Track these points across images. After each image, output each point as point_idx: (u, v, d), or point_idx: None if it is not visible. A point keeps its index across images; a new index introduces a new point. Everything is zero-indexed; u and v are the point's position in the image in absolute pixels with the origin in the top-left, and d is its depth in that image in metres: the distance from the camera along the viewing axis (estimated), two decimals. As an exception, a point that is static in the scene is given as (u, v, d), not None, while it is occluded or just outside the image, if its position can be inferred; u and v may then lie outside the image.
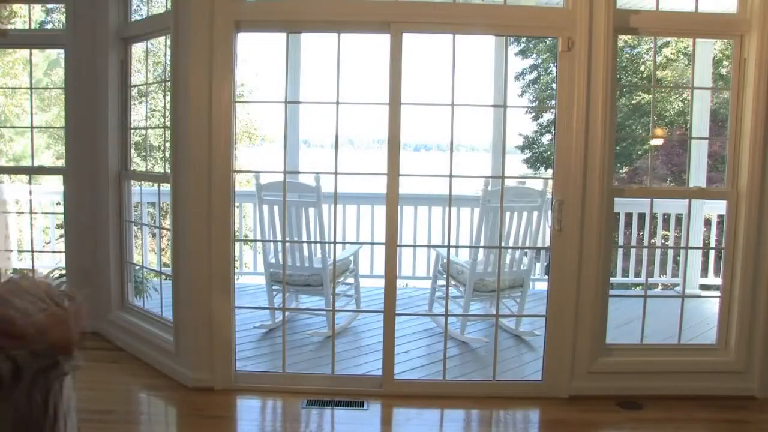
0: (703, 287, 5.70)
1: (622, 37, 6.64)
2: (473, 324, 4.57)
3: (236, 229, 3.71)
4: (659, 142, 9.43)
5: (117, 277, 4.12)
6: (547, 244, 3.52)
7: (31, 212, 5.63)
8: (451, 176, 3.33)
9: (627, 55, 12.75)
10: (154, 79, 6.97)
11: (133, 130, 4.20)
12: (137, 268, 4.36)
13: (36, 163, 4.80)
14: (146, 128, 5.76)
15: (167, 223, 4.66)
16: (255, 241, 5.81)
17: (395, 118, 3.22)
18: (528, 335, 4.30)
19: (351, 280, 4.72)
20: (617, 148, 5.73)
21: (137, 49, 4.31)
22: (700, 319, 4.51)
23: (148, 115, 7.68)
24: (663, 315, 3.93)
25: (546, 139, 14.66)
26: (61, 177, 4.39)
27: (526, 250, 4.43)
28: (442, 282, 4.50)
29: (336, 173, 3.36)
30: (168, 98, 3.54)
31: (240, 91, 12.53)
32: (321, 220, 4.21)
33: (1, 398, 0.90)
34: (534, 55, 15.11)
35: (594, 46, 3.16)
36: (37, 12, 8.76)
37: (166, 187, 3.60)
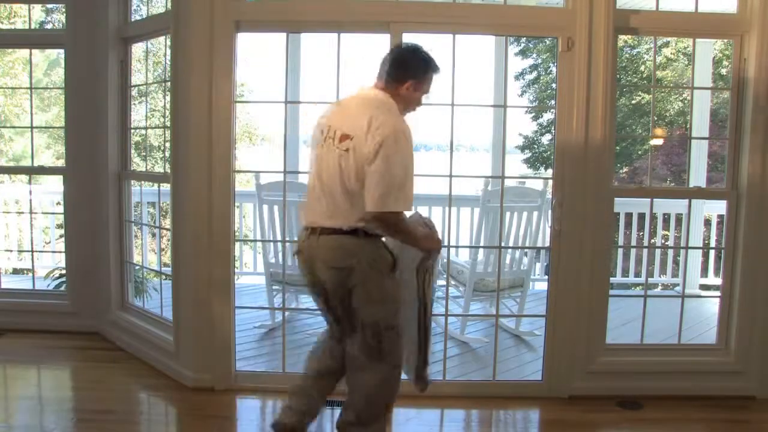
0: (703, 287, 5.70)
1: (622, 37, 6.64)
2: (473, 324, 4.57)
3: (236, 229, 3.71)
4: (659, 142, 9.44)
5: (117, 277, 4.12)
6: (547, 244, 3.51)
7: (31, 212, 5.64)
8: (451, 176, 3.33)
9: (627, 55, 12.76)
10: (154, 79, 6.97)
11: (133, 130, 4.20)
12: (137, 268, 4.36)
13: (36, 163, 4.80)
14: (146, 128, 5.76)
15: (167, 223, 4.66)
16: (255, 241, 5.80)
17: (395, 118, 3.21)
18: (528, 335, 4.30)
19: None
20: (617, 148, 5.74)
21: (137, 49, 4.31)
22: (700, 319, 4.51)
23: (148, 115, 7.69)
24: (663, 315, 3.93)
25: (546, 139, 14.67)
26: (61, 177, 4.39)
27: (526, 250, 4.43)
28: (442, 282, 4.49)
29: (336, 173, 3.36)
30: (168, 98, 3.54)
31: (240, 91, 12.53)
32: (321, 220, 4.20)
33: (392, 275, 2.40)
34: (534, 55, 15.12)
35: (594, 46, 3.16)
36: (37, 12, 8.77)
37: (166, 187, 3.60)
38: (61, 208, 4.86)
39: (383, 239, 2.39)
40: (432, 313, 2.58)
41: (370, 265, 2.34)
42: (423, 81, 2.44)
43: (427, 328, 2.54)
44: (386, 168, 2.20)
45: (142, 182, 4.43)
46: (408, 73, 2.40)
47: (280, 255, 4.29)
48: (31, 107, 4.63)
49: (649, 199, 4.15)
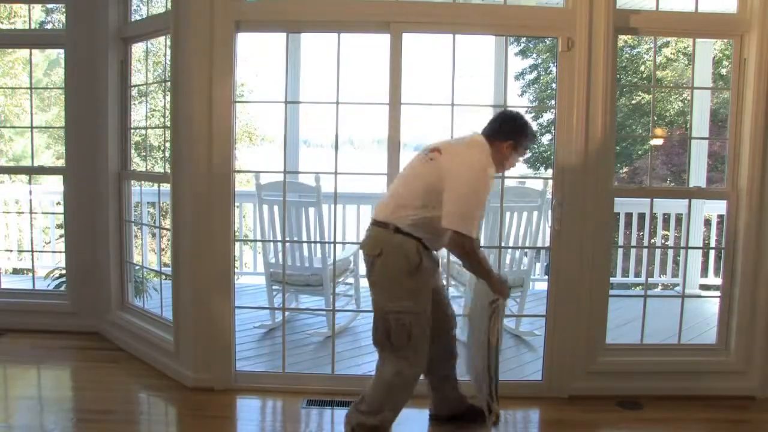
0: (703, 287, 5.70)
1: (622, 37, 6.64)
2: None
3: (236, 229, 3.71)
4: (659, 142, 9.43)
5: (117, 277, 4.12)
6: (547, 244, 3.51)
7: (31, 212, 5.64)
8: (451, 176, 3.32)
9: (627, 55, 12.75)
10: (154, 79, 6.97)
11: (133, 130, 4.20)
12: (137, 268, 4.36)
13: (36, 163, 4.80)
14: (146, 128, 5.76)
15: (167, 223, 4.66)
16: (255, 241, 5.81)
17: (395, 117, 3.22)
18: (528, 335, 4.30)
19: (351, 280, 4.72)
20: (617, 148, 5.74)
21: (137, 49, 4.31)
22: (700, 319, 4.51)
23: (148, 115, 7.68)
24: (663, 315, 3.93)
25: (546, 139, 14.65)
26: (61, 177, 4.39)
27: (526, 250, 4.43)
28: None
29: (336, 173, 3.37)
30: (168, 98, 3.54)
31: (240, 91, 12.53)
32: (321, 220, 4.21)
33: (416, 275, 2.60)
34: (534, 55, 15.10)
35: (594, 46, 3.16)
36: (37, 12, 8.76)
37: (166, 187, 3.60)
38: (61, 208, 4.86)
39: (420, 242, 2.59)
40: (498, 351, 2.74)
41: (391, 258, 2.59)
42: (521, 145, 2.73)
43: (490, 365, 2.70)
44: (464, 193, 2.51)
45: (142, 182, 4.43)
46: (511, 134, 2.69)
47: (280, 255, 4.29)
48: (31, 107, 4.63)
49: (649, 199, 4.15)
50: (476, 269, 2.70)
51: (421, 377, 2.87)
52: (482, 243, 4.30)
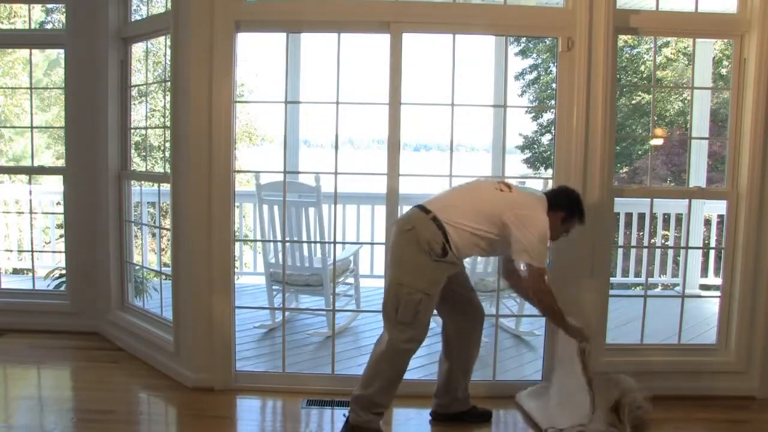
0: (703, 287, 5.70)
1: (622, 37, 6.64)
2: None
3: (236, 229, 3.71)
4: (659, 142, 9.43)
5: (117, 277, 4.12)
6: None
7: (31, 212, 5.63)
8: (451, 176, 3.33)
9: (627, 55, 12.75)
10: (154, 79, 6.97)
11: (133, 130, 4.20)
12: (137, 268, 4.36)
13: (36, 163, 4.80)
14: (146, 128, 5.75)
15: (167, 223, 4.66)
16: (255, 241, 5.81)
17: (395, 118, 3.22)
18: (528, 335, 4.30)
19: (351, 280, 4.72)
20: (617, 148, 5.74)
21: (137, 49, 4.31)
22: (700, 319, 4.51)
23: (148, 115, 7.68)
24: (663, 315, 3.93)
25: (546, 139, 14.65)
26: (61, 177, 4.39)
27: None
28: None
29: (336, 173, 3.37)
30: (168, 98, 3.54)
31: (240, 91, 12.53)
32: (321, 220, 4.21)
33: (437, 259, 2.71)
34: (534, 55, 15.11)
35: (594, 46, 3.16)
36: (37, 12, 8.76)
37: (166, 187, 3.60)
38: (61, 208, 4.86)
39: (449, 232, 2.71)
40: (593, 386, 2.94)
41: (419, 237, 2.70)
42: (571, 219, 2.89)
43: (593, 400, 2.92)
44: (534, 242, 2.70)
45: (142, 182, 4.43)
46: (566, 207, 2.87)
47: (280, 255, 4.29)
48: (31, 107, 4.63)
49: (649, 199, 4.15)
50: (547, 306, 2.89)
51: (437, 367, 3.07)
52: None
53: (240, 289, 4.87)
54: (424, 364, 3.78)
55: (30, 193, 5.49)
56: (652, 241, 9.10)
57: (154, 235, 8.39)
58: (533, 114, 14.72)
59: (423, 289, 2.71)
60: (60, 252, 5.28)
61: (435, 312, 2.89)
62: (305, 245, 4.23)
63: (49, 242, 6.58)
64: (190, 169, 3.31)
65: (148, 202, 6.03)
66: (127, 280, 4.16)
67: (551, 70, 14.26)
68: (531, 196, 2.88)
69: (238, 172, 3.81)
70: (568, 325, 2.95)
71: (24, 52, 8.40)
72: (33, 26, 5.04)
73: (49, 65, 10.55)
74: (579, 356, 2.94)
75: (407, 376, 3.40)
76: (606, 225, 3.32)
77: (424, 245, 2.69)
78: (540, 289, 2.82)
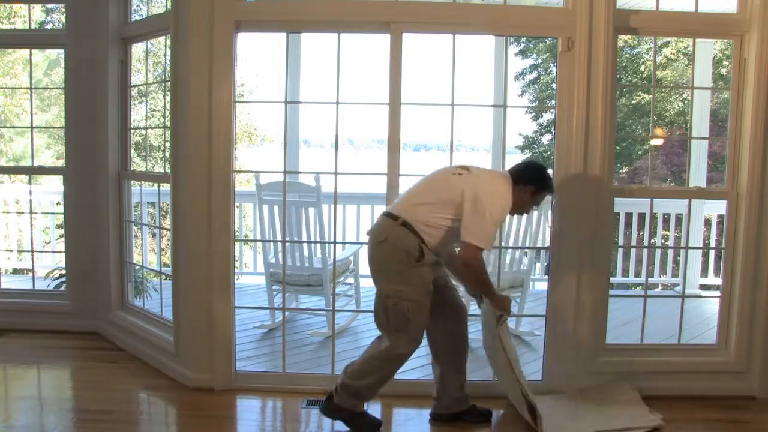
0: (703, 287, 5.70)
1: (622, 37, 6.64)
2: (473, 324, 4.53)
3: (236, 229, 3.71)
4: (659, 142, 9.42)
5: (117, 277, 4.12)
6: (547, 244, 3.51)
7: (31, 212, 5.64)
8: (451, 176, 3.32)
9: (627, 55, 12.75)
10: (154, 79, 6.97)
11: (133, 130, 4.20)
12: (137, 268, 4.36)
13: (36, 163, 4.80)
14: (146, 128, 5.76)
15: (167, 223, 4.66)
16: (255, 241, 5.81)
17: (395, 118, 3.22)
18: (528, 335, 4.30)
19: (351, 280, 4.72)
20: (617, 148, 5.74)
21: (137, 49, 4.31)
22: (700, 319, 4.51)
23: (148, 115, 7.68)
24: (663, 315, 3.93)
25: (546, 139, 14.65)
26: (61, 177, 4.39)
27: (526, 250, 4.43)
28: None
29: (336, 173, 3.37)
30: (168, 98, 3.54)
31: (240, 91, 12.53)
32: (321, 220, 4.21)
33: (417, 265, 2.74)
34: (534, 55, 15.10)
35: (594, 46, 3.16)
36: (37, 12, 8.76)
37: (166, 187, 3.60)
38: (61, 208, 4.86)
39: (423, 241, 2.73)
40: (514, 360, 2.97)
41: (393, 247, 2.74)
42: (539, 193, 2.90)
43: (520, 381, 2.96)
44: (485, 220, 2.70)
45: (142, 182, 4.43)
46: (533, 180, 2.88)
47: (280, 255, 4.29)
48: (31, 107, 4.63)
49: (649, 199, 4.15)
50: (479, 280, 2.88)
51: (431, 369, 3.09)
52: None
53: (240, 289, 4.87)
54: (424, 364, 3.78)
55: (30, 193, 5.50)
56: (652, 241, 9.10)
57: (154, 235, 8.39)
58: (533, 114, 14.72)
59: (409, 297, 2.74)
60: (60, 252, 5.28)
61: None
62: (305, 245, 4.23)
63: (49, 242, 6.58)
64: (190, 169, 3.31)
65: (148, 202, 6.04)
66: (127, 280, 4.16)
67: (551, 70, 14.26)
68: (491, 175, 2.90)
69: (238, 172, 3.81)
70: (495, 293, 2.97)
71: (24, 52, 8.40)
72: (33, 26, 5.04)
73: (49, 65, 10.55)
74: (497, 325, 2.96)
75: (407, 376, 3.43)
76: (606, 225, 3.32)
77: (401, 254, 2.72)
78: (472, 257, 2.75)
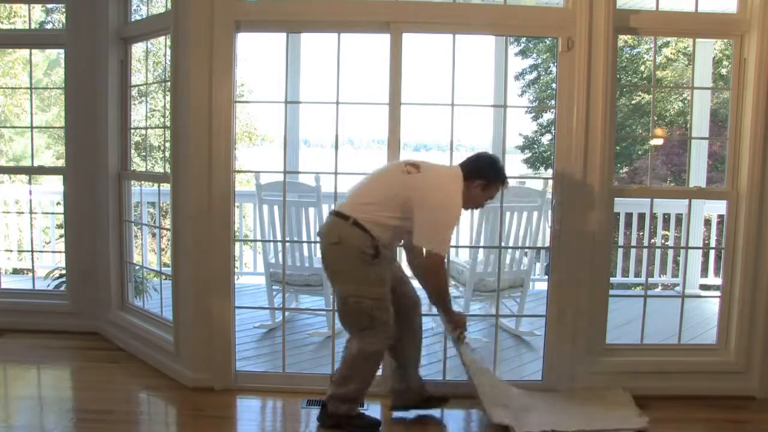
0: (703, 287, 5.70)
1: (622, 37, 6.63)
2: (473, 324, 4.57)
3: (236, 229, 3.71)
4: (659, 142, 9.43)
5: (117, 277, 4.12)
6: (547, 244, 3.51)
7: (31, 212, 5.64)
8: (451, 176, 3.32)
9: (627, 55, 12.75)
10: (154, 79, 6.97)
11: (133, 130, 4.20)
12: (137, 268, 4.36)
13: (36, 163, 4.80)
14: (146, 128, 5.76)
15: (167, 223, 4.66)
16: (255, 241, 5.81)
17: (395, 117, 3.22)
18: (528, 335, 4.30)
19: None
20: (617, 148, 5.74)
21: (137, 49, 4.31)
22: (700, 319, 4.51)
23: (148, 115, 7.68)
24: (663, 315, 3.93)
25: (546, 139, 14.65)
26: (61, 177, 4.39)
27: (526, 250, 4.43)
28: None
29: (336, 173, 3.37)
30: (168, 98, 3.54)
31: (240, 91, 12.53)
32: (321, 220, 4.21)
33: (373, 263, 2.74)
34: (534, 55, 15.10)
35: (594, 46, 3.16)
36: (37, 12, 8.76)
37: (166, 187, 3.60)
38: (61, 208, 4.86)
39: (374, 240, 2.73)
40: (475, 379, 3.00)
41: (348, 247, 2.74)
42: (490, 186, 2.88)
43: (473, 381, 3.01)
44: (439, 222, 2.72)
45: (142, 182, 4.43)
46: (482, 174, 2.84)
47: (280, 255, 4.29)
48: (31, 107, 4.63)
49: (649, 199, 4.15)
50: (438, 289, 2.90)
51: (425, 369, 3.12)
52: (482, 243, 4.31)
53: (240, 289, 4.86)
54: (424, 364, 3.78)
55: (30, 193, 5.49)
56: (652, 241, 9.10)
57: (154, 235, 8.39)
58: (533, 114, 14.72)
59: (370, 296, 2.76)
60: (60, 252, 5.28)
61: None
62: (305, 245, 4.23)
63: (49, 242, 6.58)
64: (190, 169, 3.31)
65: (148, 202, 6.03)
66: (127, 280, 4.16)
67: (551, 70, 14.26)
68: (441, 173, 2.85)
69: (238, 172, 3.81)
70: (450, 310, 2.99)
71: (24, 52, 8.40)
72: (33, 26, 5.04)
73: (49, 65, 10.55)
74: (456, 344, 3.01)
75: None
76: (606, 225, 3.32)
77: (357, 254, 2.72)
78: (436, 274, 2.82)
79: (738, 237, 3.36)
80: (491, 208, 4.17)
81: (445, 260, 2.85)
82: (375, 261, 2.74)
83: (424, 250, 2.82)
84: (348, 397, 2.91)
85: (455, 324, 3.00)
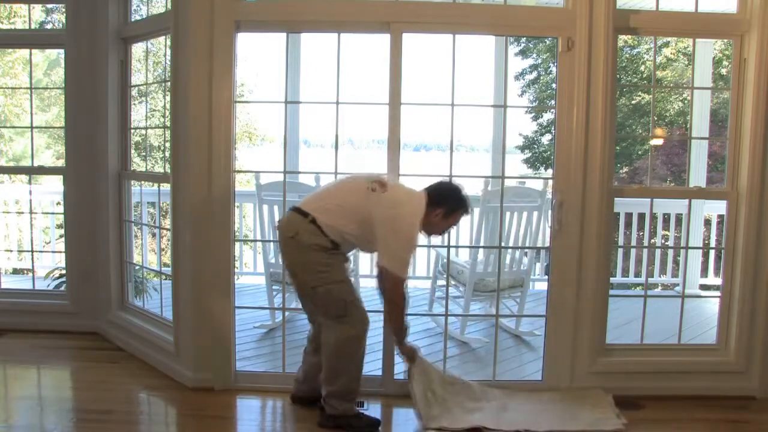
0: (703, 287, 5.70)
1: (622, 37, 6.64)
2: (473, 324, 4.57)
3: (236, 229, 3.71)
4: (659, 142, 9.43)
5: (117, 277, 4.12)
6: (547, 244, 3.52)
7: (31, 212, 5.64)
8: (451, 176, 3.32)
9: (627, 55, 12.75)
10: (154, 79, 6.97)
11: (133, 130, 4.20)
12: (137, 268, 4.36)
13: (36, 163, 4.80)
14: (146, 128, 5.76)
15: (167, 223, 4.66)
16: (255, 241, 5.80)
17: (395, 118, 3.22)
18: (528, 335, 4.30)
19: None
20: (617, 148, 5.74)
21: (137, 49, 4.31)
22: (700, 319, 4.51)
23: (148, 115, 7.68)
24: (663, 315, 3.93)
25: (546, 139, 14.66)
26: (61, 177, 4.39)
27: (526, 250, 4.43)
28: (442, 282, 4.50)
29: (336, 173, 3.36)
30: (168, 98, 3.54)
31: (240, 91, 12.53)
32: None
33: (329, 253, 2.81)
34: (534, 55, 15.11)
35: (594, 46, 3.16)
36: (37, 12, 8.76)
37: (166, 187, 3.60)
38: (61, 208, 4.85)
39: (329, 235, 2.80)
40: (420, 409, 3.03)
41: (305, 240, 2.79)
42: (452, 215, 2.93)
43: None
44: (400, 246, 2.79)
45: (142, 182, 4.43)
46: (444, 203, 2.89)
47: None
48: (31, 107, 4.63)
49: (649, 199, 4.15)
50: (395, 313, 2.91)
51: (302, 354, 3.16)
52: (482, 243, 4.32)
53: (240, 289, 4.87)
54: (424, 364, 3.78)
55: (30, 193, 5.49)
56: (652, 241, 9.10)
57: (154, 235, 8.39)
58: (533, 114, 14.72)
59: (335, 279, 2.82)
60: (60, 252, 5.28)
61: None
62: (305, 245, 4.22)
63: (49, 242, 6.58)
64: (190, 169, 3.31)
65: (148, 202, 6.03)
66: (127, 280, 4.15)
67: (551, 70, 14.26)
68: (405, 197, 2.89)
69: (238, 172, 3.81)
70: (404, 340, 3.02)
71: (24, 52, 8.40)
72: (33, 26, 5.04)
73: (49, 65, 10.55)
74: (408, 368, 3.07)
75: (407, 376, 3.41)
76: (606, 225, 3.31)
77: (313, 247, 2.79)
78: (395, 293, 2.85)
79: (738, 237, 3.36)
80: (491, 208, 4.18)
81: (405, 286, 2.86)
82: (332, 252, 2.81)
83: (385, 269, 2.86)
84: (341, 393, 2.90)
85: (402, 352, 3.05)
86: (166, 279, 4.03)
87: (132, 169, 4.17)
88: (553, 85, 6.71)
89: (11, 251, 6.08)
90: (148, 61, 6.30)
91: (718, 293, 3.54)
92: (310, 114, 5.53)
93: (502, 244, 4.08)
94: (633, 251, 6.04)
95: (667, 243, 8.93)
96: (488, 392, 3.24)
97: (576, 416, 3.07)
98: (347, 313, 2.82)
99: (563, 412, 3.12)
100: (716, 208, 5.72)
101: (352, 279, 3.00)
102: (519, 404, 3.17)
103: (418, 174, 3.61)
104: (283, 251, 2.94)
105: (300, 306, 4.73)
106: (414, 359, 3.06)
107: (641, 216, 5.85)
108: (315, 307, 2.94)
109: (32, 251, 5.13)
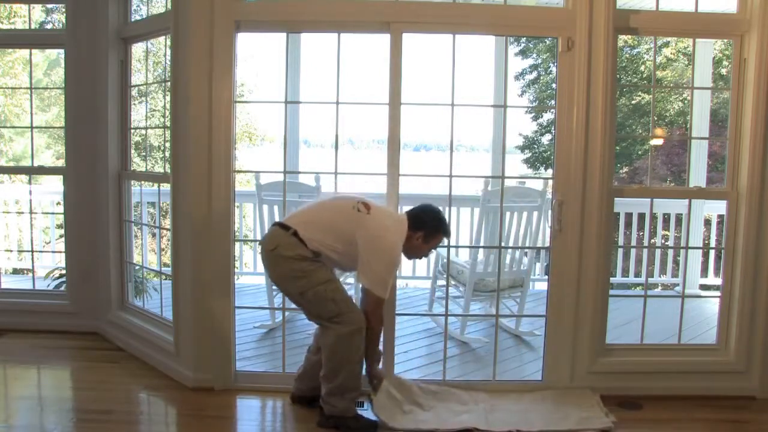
0: (703, 287, 5.70)
1: (622, 37, 6.64)
2: (473, 324, 4.57)
3: (236, 229, 3.71)
4: (659, 142, 9.43)
5: (117, 277, 4.12)
6: (547, 244, 3.52)
7: (31, 212, 5.64)
8: (451, 176, 3.33)
9: (627, 55, 12.75)
10: (154, 79, 6.97)
11: (133, 130, 4.20)
12: (137, 268, 4.36)
13: (36, 163, 4.80)
14: (146, 128, 5.76)
15: (167, 223, 4.66)
16: (255, 241, 5.80)
17: (395, 118, 3.22)
18: (528, 335, 4.30)
19: (351, 279, 4.72)
20: (617, 148, 5.74)
21: (137, 49, 4.31)
22: (700, 319, 4.51)
23: (148, 115, 7.68)
24: (663, 315, 3.93)
25: (546, 139, 14.66)
26: (61, 177, 4.39)
27: (526, 250, 4.43)
28: (442, 282, 4.50)
29: (336, 173, 3.37)
30: (168, 98, 3.54)
31: (240, 91, 12.53)
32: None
33: (309, 261, 2.85)
34: (534, 55, 15.10)
35: (594, 46, 3.16)
36: (37, 12, 8.76)
37: (166, 187, 3.60)
38: (61, 208, 4.85)
39: (311, 248, 2.85)
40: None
41: (285, 251, 2.84)
42: (431, 238, 3.02)
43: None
44: (381, 269, 2.85)
45: (142, 182, 4.43)
46: (424, 227, 2.98)
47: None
48: (31, 107, 4.63)
49: (649, 199, 4.15)
50: (370, 336, 2.93)
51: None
52: (482, 243, 4.32)
53: (240, 289, 4.87)
54: (424, 364, 3.79)
55: (30, 193, 5.49)
56: (652, 241, 9.10)
57: (154, 235, 8.39)
58: (533, 114, 14.72)
59: (321, 280, 2.85)
60: (60, 252, 5.28)
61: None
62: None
63: (49, 242, 6.58)
64: (190, 169, 3.30)
65: (148, 202, 6.04)
66: (127, 280, 4.16)
67: (551, 70, 14.26)
68: (389, 219, 2.96)
69: (238, 172, 3.81)
70: (374, 363, 3.08)
71: (24, 52, 8.40)
72: (33, 26, 5.04)
73: (49, 65, 10.55)
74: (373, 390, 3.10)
75: (407, 375, 3.43)
76: (606, 225, 3.31)
77: (294, 257, 2.83)
78: (374, 315, 2.91)
79: (738, 237, 3.36)
80: (491, 208, 4.18)
81: (383, 306, 2.91)
82: (313, 260, 2.85)
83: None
84: (341, 390, 2.90)
85: (370, 375, 3.08)
86: (166, 279, 4.03)
87: (132, 169, 4.17)
88: (553, 85, 6.71)
89: (11, 251, 6.08)
90: (148, 61, 6.30)
91: (718, 293, 3.54)
92: (310, 114, 5.53)
93: (502, 244, 4.08)
94: (633, 251, 6.04)
95: (667, 243, 8.93)
96: (474, 395, 3.25)
97: (567, 415, 3.07)
98: (340, 312, 2.84)
99: (554, 412, 3.12)
100: (716, 208, 5.72)
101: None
102: (508, 405, 3.18)
103: (418, 174, 3.62)
104: (266, 266, 2.98)
105: (300, 306, 4.78)
106: (377, 388, 3.09)
107: (641, 216, 5.85)
108: (309, 314, 2.97)
109: (32, 251, 5.13)
